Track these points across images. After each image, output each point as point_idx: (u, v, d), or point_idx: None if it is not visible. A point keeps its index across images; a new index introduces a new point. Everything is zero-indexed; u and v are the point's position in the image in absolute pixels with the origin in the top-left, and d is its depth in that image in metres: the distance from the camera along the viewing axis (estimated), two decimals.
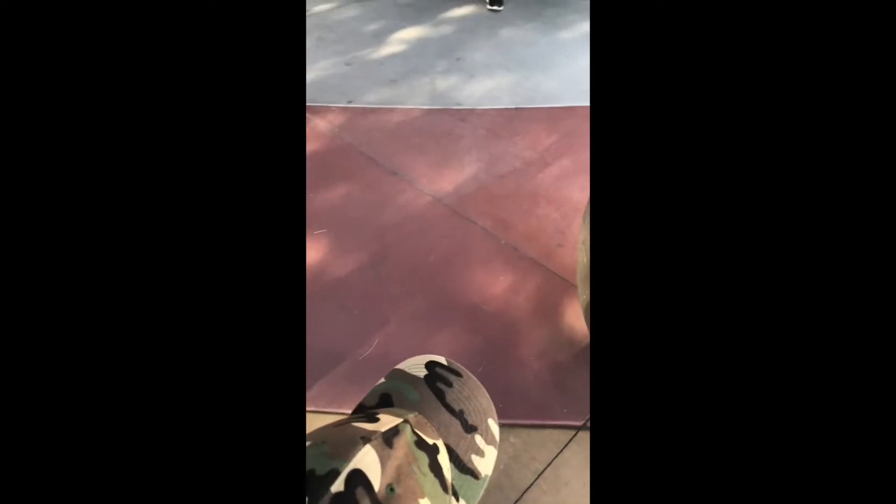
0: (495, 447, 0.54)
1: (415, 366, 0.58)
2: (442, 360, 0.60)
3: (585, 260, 0.96)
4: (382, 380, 0.57)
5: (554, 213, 1.69)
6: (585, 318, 1.07)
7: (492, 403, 0.57)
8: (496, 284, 1.44)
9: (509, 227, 1.64)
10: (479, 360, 1.25)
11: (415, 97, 2.32)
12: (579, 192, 1.76)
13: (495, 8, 3.08)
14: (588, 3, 3.19)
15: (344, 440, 0.42)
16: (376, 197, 1.77)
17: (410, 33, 2.88)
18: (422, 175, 1.86)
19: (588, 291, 0.96)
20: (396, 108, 2.24)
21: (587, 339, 1.27)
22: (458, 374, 0.57)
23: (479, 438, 0.52)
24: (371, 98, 2.32)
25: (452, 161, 1.93)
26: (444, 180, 1.84)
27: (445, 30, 2.87)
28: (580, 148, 1.97)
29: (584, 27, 2.90)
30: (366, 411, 0.53)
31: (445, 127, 2.12)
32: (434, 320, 1.34)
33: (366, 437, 0.42)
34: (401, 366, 0.59)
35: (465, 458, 0.50)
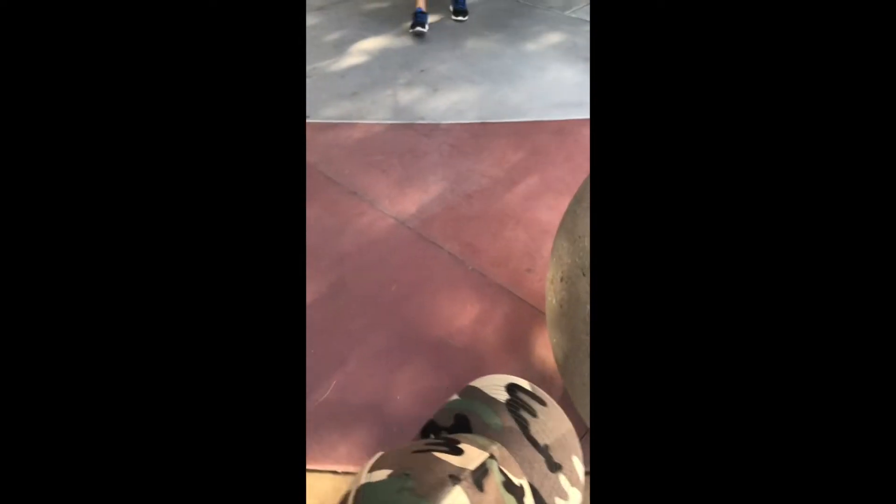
0: (580, 490, 0.49)
1: (493, 386, 0.53)
2: (524, 383, 0.53)
3: (554, 302, 0.88)
4: (456, 396, 0.52)
5: (522, 234, 1.62)
6: (558, 364, 0.99)
7: (577, 439, 0.51)
8: (463, 315, 1.36)
9: (476, 251, 1.56)
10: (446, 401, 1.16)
11: (377, 111, 2.23)
12: (547, 211, 1.70)
13: (460, 18, 3.01)
14: (554, 14, 3.15)
15: (430, 476, 0.40)
16: (335, 220, 1.67)
17: (373, 44, 2.79)
18: (383, 195, 1.77)
19: (558, 335, 0.89)
20: (357, 124, 2.14)
21: (557, 377, 1.20)
22: (543, 403, 0.51)
23: (563, 479, 0.47)
24: (331, 112, 2.22)
25: (416, 180, 1.84)
26: (407, 201, 1.75)
27: (409, 40, 2.79)
28: (547, 165, 1.91)
29: (551, 38, 2.86)
30: (442, 434, 0.49)
31: (409, 143, 2.03)
32: (396, 358, 1.25)
33: (455, 477, 0.40)
34: (476, 383, 0.54)
35: (548, 501, 0.46)
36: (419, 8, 2.81)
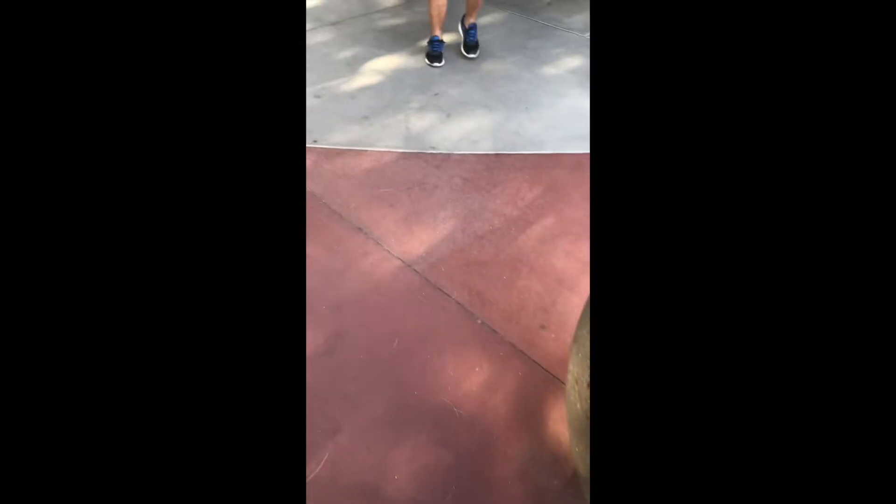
0: None
1: None
2: None
3: (579, 408, 0.77)
4: None
5: (537, 284, 1.51)
6: (580, 477, 0.87)
7: None
8: (471, 378, 1.25)
9: (487, 301, 1.45)
10: (448, 485, 1.05)
11: (387, 138, 2.13)
12: (564, 258, 1.59)
13: (472, 56, 2.74)
14: (574, 36, 3.05)
15: None
16: (338, 261, 1.57)
17: (386, 63, 2.70)
18: (390, 233, 1.67)
19: (582, 448, 0.78)
20: (366, 151, 2.05)
21: (571, 458, 1.09)
22: None
23: None
24: (339, 137, 2.13)
25: (425, 216, 1.74)
26: (414, 240, 1.65)
27: (423, 60, 2.70)
28: (564, 204, 1.80)
29: (571, 62, 2.75)
30: None
31: (418, 175, 1.93)
32: (396, 428, 1.14)
33: None
34: None
35: None
36: (435, 35, 2.68)
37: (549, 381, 1.25)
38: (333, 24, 3.12)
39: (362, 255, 1.59)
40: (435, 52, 2.66)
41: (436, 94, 2.44)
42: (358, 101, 2.38)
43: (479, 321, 1.40)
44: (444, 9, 2.64)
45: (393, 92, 2.45)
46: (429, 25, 2.76)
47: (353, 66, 2.67)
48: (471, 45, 2.75)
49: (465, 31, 2.77)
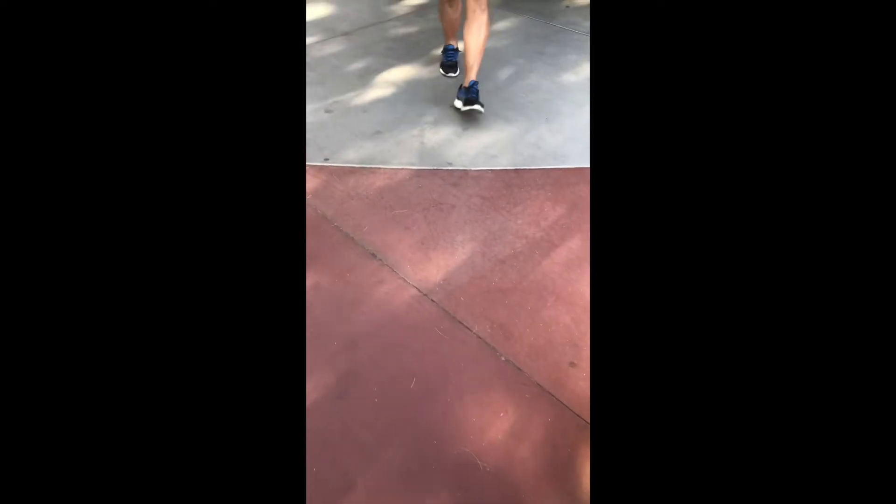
0: None
1: None
2: None
3: None
4: None
5: (564, 315, 1.40)
6: None
7: None
8: (494, 425, 1.15)
9: (510, 335, 1.35)
10: None
11: (401, 154, 2.04)
12: None
13: (477, 108, 2.22)
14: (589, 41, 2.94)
15: None
16: (350, 290, 1.48)
17: (399, 73, 2.61)
18: (405, 259, 1.58)
19: None
20: (380, 169, 1.96)
21: None
22: None
23: None
24: (351, 154, 2.04)
25: (442, 240, 1.65)
26: (431, 266, 1.55)
27: (437, 70, 2.61)
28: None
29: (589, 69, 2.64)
30: None
31: (434, 194, 1.84)
32: (415, 485, 1.05)
33: None
34: None
35: None
36: (449, 44, 2.58)
37: (580, 427, 1.15)
38: (345, 34, 3.05)
39: (376, 283, 1.50)
40: (449, 62, 2.56)
41: (451, 107, 2.35)
42: (370, 114, 2.30)
43: (503, 358, 1.30)
44: (456, 23, 2.54)
45: (407, 104, 2.36)
46: (442, 33, 2.67)
47: (366, 78, 2.59)
48: (472, 100, 2.21)
49: (466, 90, 2.25)
